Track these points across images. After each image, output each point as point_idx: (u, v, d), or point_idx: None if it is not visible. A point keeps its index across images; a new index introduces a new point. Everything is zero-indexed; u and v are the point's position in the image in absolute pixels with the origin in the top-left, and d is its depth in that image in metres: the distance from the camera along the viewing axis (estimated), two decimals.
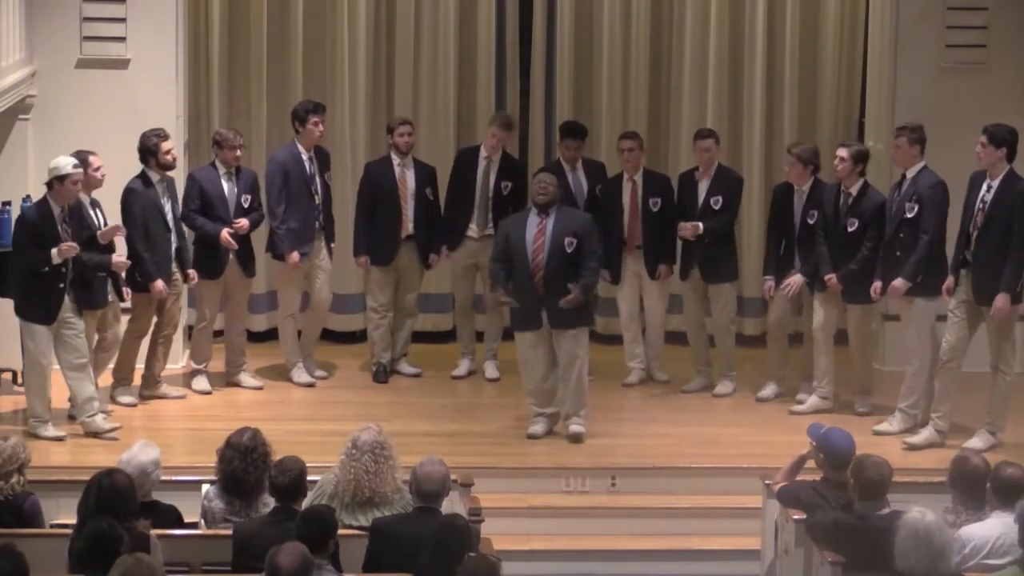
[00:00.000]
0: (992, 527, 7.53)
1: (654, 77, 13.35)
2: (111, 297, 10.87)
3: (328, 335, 13.03)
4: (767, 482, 8.69)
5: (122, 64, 11.98)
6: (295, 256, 11.65)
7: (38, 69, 11.86)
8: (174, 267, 11.25)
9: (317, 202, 11.78)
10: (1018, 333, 10.72)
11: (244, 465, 7.88)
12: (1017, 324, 10.64)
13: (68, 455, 10.23)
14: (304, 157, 11.74)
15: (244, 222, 11.49)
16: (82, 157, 10.60)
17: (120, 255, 10.72)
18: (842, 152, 11.00)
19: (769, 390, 11.71)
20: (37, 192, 11.35)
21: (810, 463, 8.36)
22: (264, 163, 12.32)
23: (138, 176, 11.12)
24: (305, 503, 7.69)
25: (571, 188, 11.80)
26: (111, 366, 11.21)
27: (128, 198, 11.04)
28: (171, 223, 11.20)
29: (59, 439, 10.45)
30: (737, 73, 13.25)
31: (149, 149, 11.07)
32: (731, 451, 10.58)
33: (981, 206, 10.37)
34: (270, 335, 12.88)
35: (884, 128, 12.12)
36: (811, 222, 11.24)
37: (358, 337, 13.14)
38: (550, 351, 10.72)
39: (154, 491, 7.91)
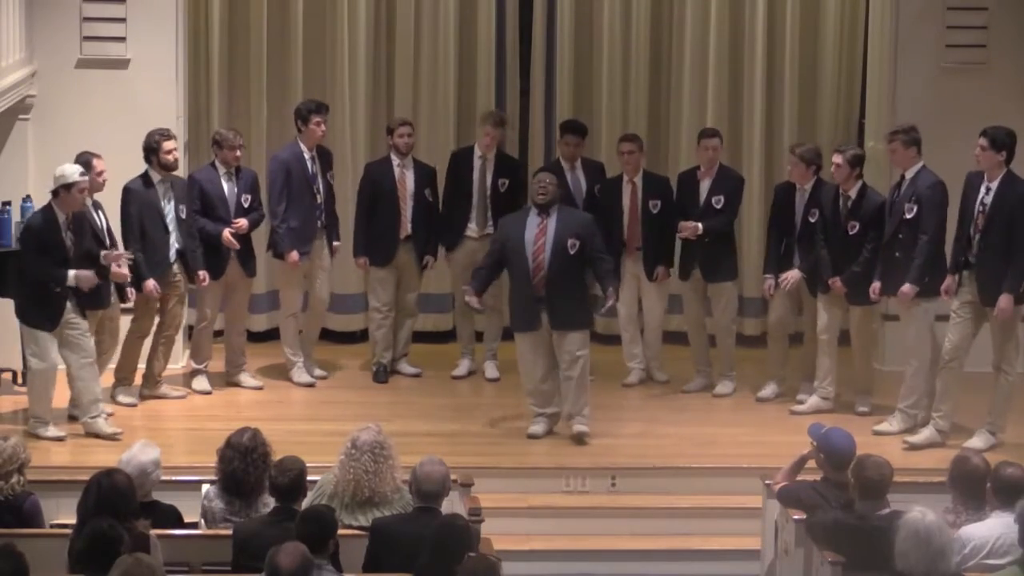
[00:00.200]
0: (992, 527, 7.53)
1: (654, 77, 13.35)
2: (113, 299, 10.87)
3: (328, 335, 13.04)
4: (767, 482, 8.69)
5: (122, 64, 11.98)
6: (294, 255, 11.65)
7: (38, 69, 11.86)
8: (176, 268, 11.25)
9: (319, 201, 11.78)
10: (1021, 333, 10.71)
11: (244, 465, 7.88)
12: (1020, 325, 10.63)
13: (68, 455, 10.23)
14: (306, 156, 11.75)
15: (244, 222, 11.49)
16: (85, 159, 10.61)
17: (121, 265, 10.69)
18: (837, 159, 11.00)
19: (769, 390, 11.71)
20: (37, 192, 11.37)
21: (810, 463, 8.35)
22: (264, 163, 12.35)
23: (140, 176, 11.12)
24: (305, 503, 7.69)
25: (570, 187, 11.80)
26: (111, 366, 11.21)
27: (125, 197, 11.05)
28: (171, 224, 11.18)
29: (59, 439, 10.45)
30: (737, 73, 13.25)
31: (151, 147, 11.07)
32: (731, 451, 10.58)
33: (981, 208, 10.38)
34: (270, 335, 12.88)
35: (884, 128, 12.09)
36: (812, 221, 11.25)
37: (358, 337, 13.14)
38: (550, 352, 10.72)
39: (154, 491, 7.91)
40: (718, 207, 11.67)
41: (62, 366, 10.51)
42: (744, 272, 12.81)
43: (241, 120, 12.84)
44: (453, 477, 8.00)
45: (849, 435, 8.25)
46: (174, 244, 11.22)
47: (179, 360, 12.09)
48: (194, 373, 11.76)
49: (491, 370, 12.25)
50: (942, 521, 7.03)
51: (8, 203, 11.35)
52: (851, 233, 10.99)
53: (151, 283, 10.94)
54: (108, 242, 10.74)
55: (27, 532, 7.62)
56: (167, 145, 11.08)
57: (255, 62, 13.01)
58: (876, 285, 10.87)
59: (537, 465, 10.38)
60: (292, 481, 7.58)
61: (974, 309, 10.49)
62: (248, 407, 11.35)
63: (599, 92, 13.28)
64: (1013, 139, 10.35)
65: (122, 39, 11.95)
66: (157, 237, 11.10)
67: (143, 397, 11.37)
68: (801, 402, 11.41)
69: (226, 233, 11.40)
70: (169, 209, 11.18)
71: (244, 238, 11.57)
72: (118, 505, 7.14)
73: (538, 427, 10.81)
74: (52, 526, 8.11)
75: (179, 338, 11.93)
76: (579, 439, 10.63)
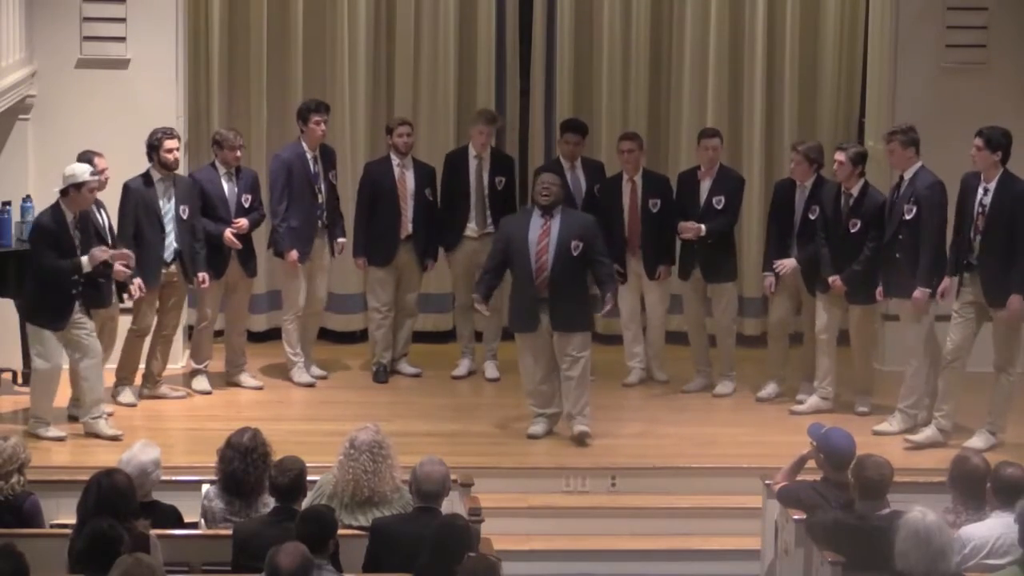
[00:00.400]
0: (992, 527, 7.53)
1: (654, 77, 13.35)
2: (112, 298, 10.88)
3: (328, 335, 13.04)
4: (767, 482, 8.69)
5: (122, 64, 11.98)
6: (293, 254, 11.66)
7: (38, 69, 11.86)
8: (175, 268, 11.24)
9: (320, 201, 11.78)
10: None
11: (244, 465, 7.87)
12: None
13: (68, 455, 10.23)
14: (308, 156, 11.75)
15: (244, 222, 11.49)
16: (87, 158, 10.61)
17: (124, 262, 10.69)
18: (840, 156, 11.00)
19: (769, 390, 11.71)
20: (37, 192, 11.38)
21: (810, 463, 8.35)
22: (264, 163, 12.36)
23: (141, 174, 11.12)
24: (305, 503, 7.69)
25: (570, 187, 11.79)
26: (111, 366, 11.19)
27: (124, 195, 11.04)
28: (169, 224, 11.16)
29: (60, 439, 10.45)
30: (737, 73, 13.25)
31: (153, 145, 11.07)
32: (731, 451, 10.58)
33: (980, 209, 10.38)
34: (270, 335, 12.89)
35: (884, 128, 12.07)
36: (812, 218, 11.25)
37: (358, 337, 13.14)
38: (550, 353, 10.71)
39: (154, 491, 7.91)
40: (719, 208, 11.67)
41: (65, 366, 10.51)
42: (744, 272, 12.81)
43: (241, 120, 12.84)
44: (453, 477, 7.99)
45: (849, 435, 8.24)
46: (172, 244, 11.21)
47: (179, 360, 12.09)
48: (194, 373, 11.76)
49: (491, 370, 12.25)
50: (942, 521, 7.03)
51: (8, 203, 11.35)
52: (852, 231, 10.98)
53: (137, 281, 10.90)
54: (110, 241, 10.73)
55: (27, 532, 7.62)
56: (168, 144, 11.08)
57: (255, 62, 13.01)
58: (880, 290, 10.89)
59: (537, 465, 10.38)
60: (292, 481, 7.58)
61: (976, 309, 10.49)
62: (248, 407, 11.35)
63: (599, 92, 13.28)
64: (1008, 139, 10.36)
65: (122, 39, 11.95)
66: (152, 236, 11.07)
67: (143, 397, 11.37)
68: (801, 402, 11.41)
69: (228, 233, 11.40)
70: (168, 209, 11.17)
71: (245, 238, 11.57)
72: (118, 505, 7.14)
73: (538, 427, 10.81)
74: (52, 526, 8.11)
75: (179, 338, 11.93)
76: (580, 439, 10.63)
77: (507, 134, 13.33)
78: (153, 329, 11.34)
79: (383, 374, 12.13)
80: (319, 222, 11.83)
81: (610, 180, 12.04)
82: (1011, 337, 10.46)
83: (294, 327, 11.91)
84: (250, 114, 13.03)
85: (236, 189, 11.57)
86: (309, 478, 7.75)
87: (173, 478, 8.43)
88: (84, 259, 10.20)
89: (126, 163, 11.15)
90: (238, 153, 11.56)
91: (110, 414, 10.73)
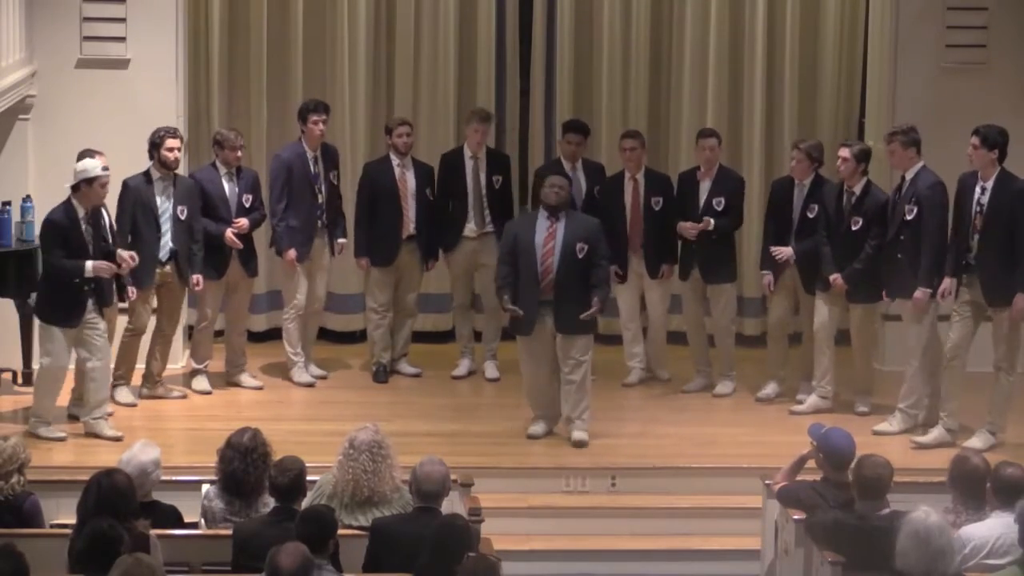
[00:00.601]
0: (992, 527, 7.53)
1: (654, 77, 13.35)
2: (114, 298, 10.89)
3: (328, 335, 13.05)
4: (767, 482, 8.69)
5: (122, 64, 11.98)
6: (291, 253, 11.66)
7: (38, 69, 11.86)
8: (170, 268, 11.23)
9: (320, 201, 11.78)
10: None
11: (244, 465, 7.88)
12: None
13: (69, 455, 10.23)
14: (309, 156, 11.75)
15: (244, 221, 11.49)
16: (87, 156, 10.60)
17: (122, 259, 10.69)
18: (844, 152, 10.99)
19: (769, 390, 11.71)
20: (37, 192, 11.38)
21: (810, 463, 8.35)
22: (265, 163, 12.36)
23: (142, 172, 11.12)
24: (305, 503, 7.69)
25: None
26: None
27: (122, 192, 11.03)
28: (166, 224, 11.15)
29: (60, 439, 10.45)
30: (737, 73, 13.24)
31: (155, 143, 11.07)
32: (731, 451, 10.58)
33: (978, 209, 10.38)
34: (270, 335, 12.89)
35: (884, 128, 12.07)
36: (811, 216, 11.25)
37: (358, 337, 13.13)
38: (552, 355, 10.70)
39: (154, 491, 7.91)
40: (719, 209, 11.66)
41: (70, 366, 10.51)
42: (743, 272, 12.80)
43: (241, 120, 12.83)
44: (453, 477, 7.99)
45: (849, 435, 8.24)
46: (167, 244, 11.19)
47: (179, 360, 12.09)
48: (194, 373, 11.76)
49: (491, 370, 12.25)
50: (944, 522, 7.02)
51: (8, 203, 11.35)
52: (854, 229, 10.98)
53: (131, 288, 10.87)
54: (111, 239, 10.73)
55: (27, 532, 7.62)
56: (170, 143, 11.07)
57: (255, 62, 13.01)
58: (884, 292, 10.90)
59: (537, 465, 10.38)
60: (292, 481, 7.58)
61: (973, 309, 10.50)
62: (248, 407, 11.35)
63: (599, 92, 13.28)
64: (1005, 137, 10.36)
65: (122, 39, 11.95)
66: (148, 235, 11.05)
67: (143, 397, 11.36)
68: (801, 402, 11.41)
69: (229, 233, 11.40)
70: (166, 208, 11.16)
71: (245, 238, 11.57)
72: (118, 505, 7.14)
73: (538, 427, 10.81)
74: (52, 526, 8.11)
75: (179, 338, 11.93)
76: (579, 445, 10.60)
77: (507, 134, 13.34)
78: (152, 329, 11.34)
79: (383, 374, 12.13)
80: (319, 222, 11.83)
81: (612, 179, 12.03)
82: (1011, 337, 10.46)
83: (294, 326, 11.91)
84: (250, 114, 13.03)
85: (237, 189, 11.57)
86: (309, 478, 7.75)
87: (173, 478, 8.43)
88: (89, 264, 10.18)
89: (126, 163, 11.14)
90: (239, 153, 11.56)
91: (110, 414, 10.73)
